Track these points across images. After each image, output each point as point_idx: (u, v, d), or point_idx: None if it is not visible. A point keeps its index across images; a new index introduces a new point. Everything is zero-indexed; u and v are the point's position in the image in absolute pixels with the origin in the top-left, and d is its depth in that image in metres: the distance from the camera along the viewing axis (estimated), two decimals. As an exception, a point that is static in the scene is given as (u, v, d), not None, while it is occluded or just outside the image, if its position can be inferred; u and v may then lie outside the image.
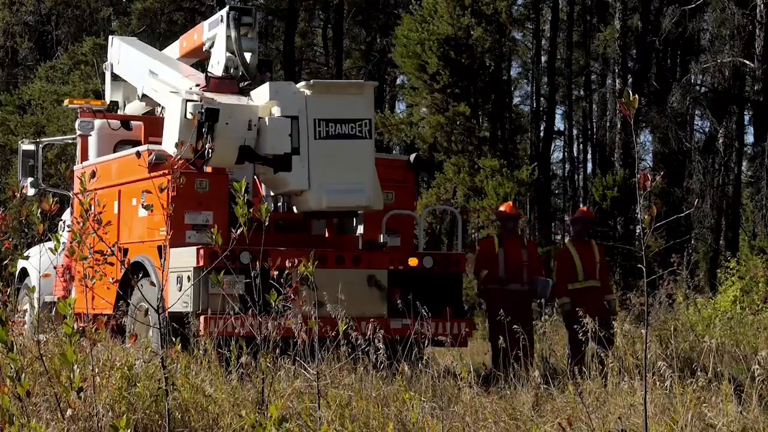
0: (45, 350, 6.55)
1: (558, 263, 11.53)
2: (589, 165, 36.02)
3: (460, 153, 23.19)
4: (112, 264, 9.14)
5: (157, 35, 29.21)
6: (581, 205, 11.55)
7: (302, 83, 10.15)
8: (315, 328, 5.98)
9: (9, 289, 5.63)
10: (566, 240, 11.28)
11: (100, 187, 10.76)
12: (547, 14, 33.05)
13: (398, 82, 36.22)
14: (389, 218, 10.55)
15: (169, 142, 9.85)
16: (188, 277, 9.36)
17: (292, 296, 6.22)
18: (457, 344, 9.55)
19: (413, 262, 10.22)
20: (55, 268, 11.60)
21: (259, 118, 9.92)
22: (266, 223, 5.65)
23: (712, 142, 28.83)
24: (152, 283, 8.04)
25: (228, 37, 10.79)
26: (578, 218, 11.61)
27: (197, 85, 10.43)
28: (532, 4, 30.59)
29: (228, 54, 10.80)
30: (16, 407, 5.04)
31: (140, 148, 10.47)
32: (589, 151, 36.34)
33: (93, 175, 6.03)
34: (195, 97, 9.88)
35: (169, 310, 8.97)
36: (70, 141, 14.13)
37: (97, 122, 12.41)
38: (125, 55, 12.69)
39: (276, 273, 6.63)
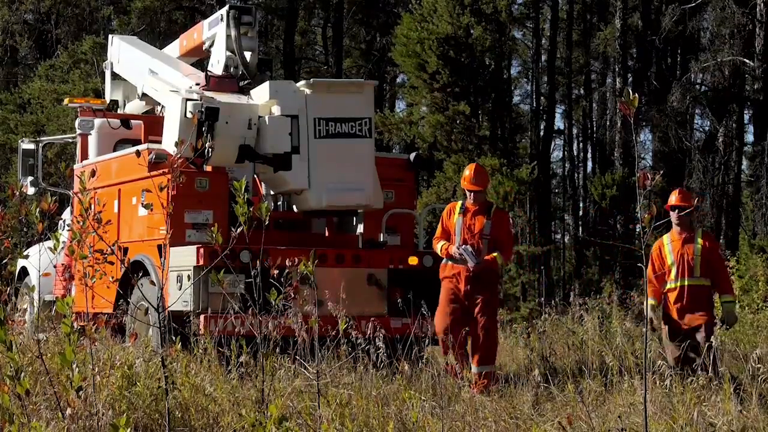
0: (45, 349, 6.55)
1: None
2: (589, 164, 36.07)
3: (460, 152, 23.19)
4: (112, 263, 9.14)
5: (157, 34, 29.22)
6: (674, 194, 9.39)
7: (302, 82, 10.14)
8: (315, 327, 5.98)
9: (9, 288, 5.63)
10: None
11: (100, 186, 10.76)
12: (547, 13, 33.05)
13: (398, 81, 36.24)
14: (389, 217, 10.54)
15: (169, 141, 9.85)
16: (188, 276, 9.36)
17: (292, 295, 6.22)
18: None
19: (413, 260, 10.22)
20: (54, 267, 11.61)
21: (259, 117, 9.92)
22: (266, 222, 5.65)
23: (712, 141, 28.82)
24: (152, 282, 8.00)
25: (228, 36, 10.80)
26: (679, 205, 9.27)
27: (197, 84, 10.44)
28: (531, 3, 30.58)
29: (228, 53, 10.80)
30: (16, 406, 5.04)
31: (140, 147, 10.47)
32: (589, 150, 36.36)
33: (93, 173, 6.03)
34: (195, 96, 9.88)
35: (169, 309, 8.97)
36: (70, 140, 14.13)
37: (97, 121, 12.41)
38: (125, 54, 12.69)
39: (276, 272, 6.62)
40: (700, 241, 9.17)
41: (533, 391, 7.60)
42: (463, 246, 8.97)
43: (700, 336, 8.68)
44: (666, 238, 9.34)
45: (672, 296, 9.16)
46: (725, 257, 9.05)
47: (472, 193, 9.16)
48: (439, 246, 9.16)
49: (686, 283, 9.10)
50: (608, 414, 6.68)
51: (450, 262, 9.08)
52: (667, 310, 9.18)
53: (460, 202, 9.33)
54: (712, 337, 8.21)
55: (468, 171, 9.27)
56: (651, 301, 9.19)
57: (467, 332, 8.79)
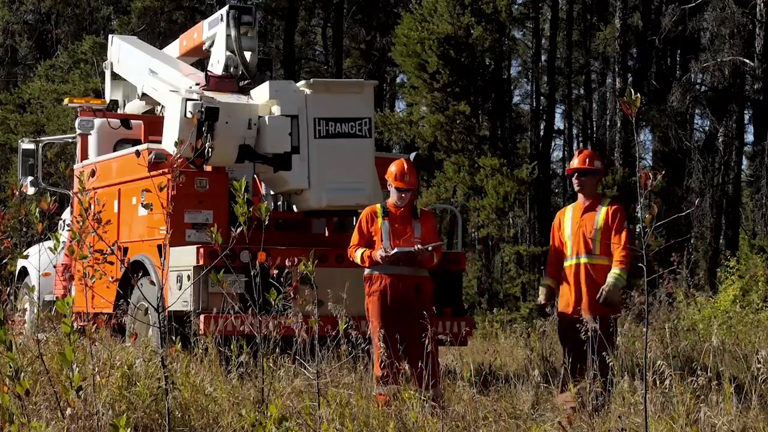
0: (45, 349, 6.55)
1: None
2: (589, 164, 36.00)
3: (460, 152, 23.21)
4: (111, 263, 9.14)
5: (157, 34, 29.22)
6: (576, 156, 8.06)
7: (302, 82, 10.14)
8: (315, 327, 5.98)
9: (9, 288, 5.63)
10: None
11: (100, 186, 10.76)
12: (547, 13, 33.03)
13: (398, 80, 36.23)
14: (389, 217, 10.52)
15: (168, 141, 9.84)
16: (188, 276, 9.36)
17: (292, 295, 6.22)
18: (458, 343, 9.53)
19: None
20: (54, 267, 11.61)
21: (259, 116, 9.92)
22: (266, 222, 5.65)
23: (712, 141, 28.83)
24: (152, 282, 8.01)
25: (228, 35, 10.79)
26: (580, 168, 8.07)
27: (197, 84, 10.43)
28: (531, 3, 30.57)
29: (228, 53, 10.80)
30: (16, 406, 5.03)
31: (140, 147, 10.47)
32: (589, 150, 36.35)
33: (93, 173, 6.03)
34: (195, 96, 9.87)
35: (169, 309, 8.96)
36: (69, 140, 14.12)
37: (97, 121, 12.40)
38: (125, 54, 12.68)
39: (276, 272, 6.61)
40: (603, 212, 7.87)
41: (533, 391, 7.59)
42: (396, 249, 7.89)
43: (592, 326, 7.34)
44: (569, 208, 8.14)
45: (568, 274, 7.93)
46: (630, 229, 8.00)
47: (403, 193, 8.03)
48: (358, 253, 8.02)
49: (582, 261, 7.85)
50: (608, 414, 6.68)
51: (377, 272, 8.01)
52: (563, 291, 8.02)
53: (379, 205, 8.23)
54: (611, 330, 7.33)
55: (396, 167, 8.03)
56: (546, 281, 8.21)
57: (404, 350, 7.55)
